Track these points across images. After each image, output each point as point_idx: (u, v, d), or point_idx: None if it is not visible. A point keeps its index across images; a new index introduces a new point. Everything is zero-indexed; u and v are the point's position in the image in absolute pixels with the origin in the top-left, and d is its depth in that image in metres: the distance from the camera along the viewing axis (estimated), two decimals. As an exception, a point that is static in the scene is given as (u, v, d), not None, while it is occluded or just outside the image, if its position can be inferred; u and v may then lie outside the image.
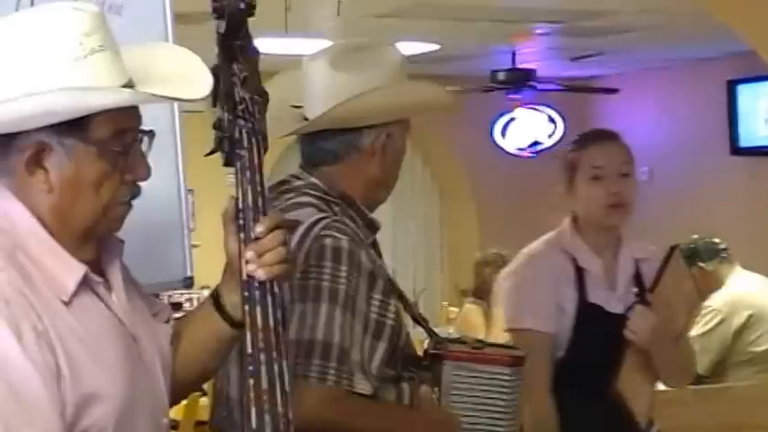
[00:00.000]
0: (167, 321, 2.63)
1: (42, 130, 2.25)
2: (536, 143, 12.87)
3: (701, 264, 7.45)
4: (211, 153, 2.50)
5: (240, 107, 2.48)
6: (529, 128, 12.88)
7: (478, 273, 8.38)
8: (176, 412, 5.96)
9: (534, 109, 12.76)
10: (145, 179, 2.39)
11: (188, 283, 3.18)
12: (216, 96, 2.46)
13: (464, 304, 8.36)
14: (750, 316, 7.32)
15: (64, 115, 2.23)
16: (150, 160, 2.41)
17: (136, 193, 2.40)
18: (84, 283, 2.33)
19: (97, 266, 2.41)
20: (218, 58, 2.48)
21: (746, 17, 5.22)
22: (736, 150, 11.57)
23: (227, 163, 2.49)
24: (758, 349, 7.30)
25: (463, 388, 3.12)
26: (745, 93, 11.30)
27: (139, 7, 3.11)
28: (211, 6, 2.41)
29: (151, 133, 2.40)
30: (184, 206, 3.24)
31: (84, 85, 2.24)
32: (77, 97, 2.22)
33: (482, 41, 10.51)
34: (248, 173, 2.48)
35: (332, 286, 2.94)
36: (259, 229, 2.41)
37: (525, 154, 13.01)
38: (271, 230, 2.41)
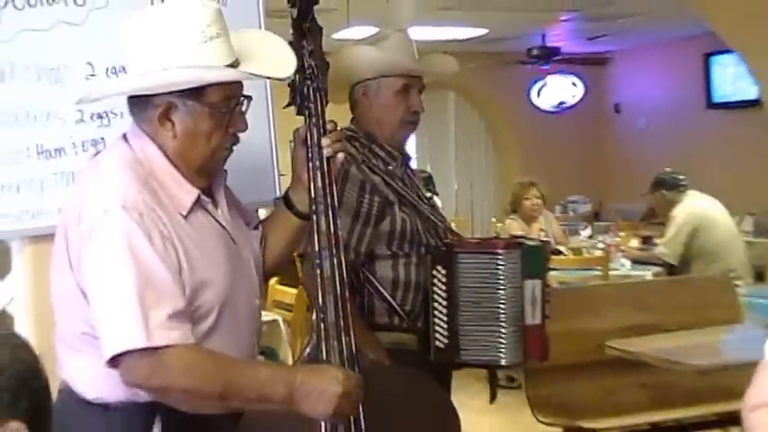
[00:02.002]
0: (257, 228, 2.64)
1: (172, 94, 2.28)
2: (562, 103, 12.64)
3: (663, 191, 7.37)
4: (288, 105, 2.51)
5: (308, 71, 2.47)
6: (557, 91, 12.66)
7: (513, 192, 8.13)
8: (291, 298, 5.95)
9: (562, 76, 12.54)
10: (243, 131, 2.40)
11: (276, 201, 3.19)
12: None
13: (506, 219, 8.24)
14: (700, 223, 7.18)
15: (187, 85, 2.26)
16: (249, 115, 2.42)
17: (236, 141, 2.41)
18: (198, 203, 2.35)
19: (208, 191, 2.42)
20: (292, 36, 2.48)
21: (714, 7, 5.10)
22: (711, 105, 11.44)
23: (299, 112, 2.49)
24: (708, 247, 7.16)
25: (468, 271, 2.96)
26: (717, 62, 11.12)
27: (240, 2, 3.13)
28: (286, -1, 2.44)
29: (249, 98, 2.40)
30: (274, 147, 3.23)
31: (203, 64, 2.26)
32: (198, 73, 2.26)
33: (520, 26, 10.31)
34: (314, 119, 2.48)
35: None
36: (330, 126, 2.48)
37: (554, 110, 12.80)
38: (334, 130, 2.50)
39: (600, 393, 4.54)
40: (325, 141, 2.46)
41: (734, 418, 4.21)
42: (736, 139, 10.87)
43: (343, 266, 2.41)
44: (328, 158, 2.47)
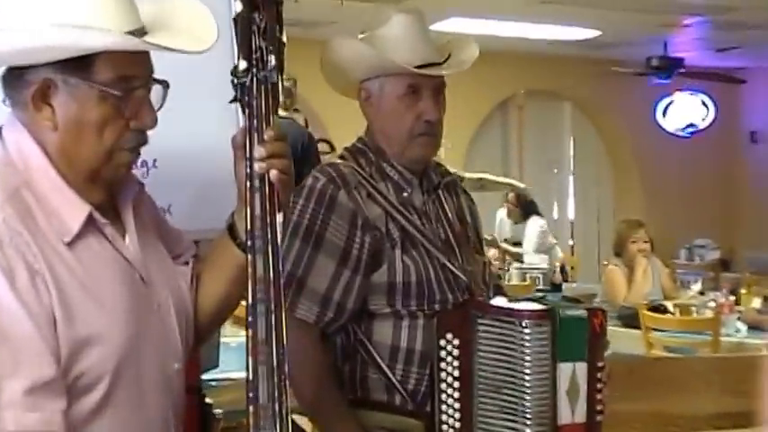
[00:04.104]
0: (187, 263, 2.19)
1: (49, 67, 1.89)
2: (691, 125, 12.10)
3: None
4: (233, 101, 2.01)
5: (255, 56, 1.98)
6: (686, 111, 12.09)
7: (618, 232, 7.64)
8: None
9: (691, 93, 12.00)
10: (150, 128, 1.99)
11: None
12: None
13: (610, 264, 7.63)
14: None
15: (61, 52, 1.87)
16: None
17: (142, 140, 1.99)
18: (91, 225, 1.94)
19: (111, 209, 2.02)
20: (241, 5, 1.99)
21: None
22: None
23: (243, 109, 2.01)
24: None
25: (486, 343, 2.43)
26: None
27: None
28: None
29: (165, 83, 2.00)
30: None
31: (83, 24, 1.87)
32: (73, 35, 1.87)
33: (638, 30, 9.98)
34: (255, 121, 2.00)
35: (297, 220, 2.58)
36: (269, 133, 1.96)
37: (681, 134, 12.30)
38: (277, 139, 1.98)
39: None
40: (257, 152, 1.96)
41: None
42: None
43: (283, 328, 1.92)
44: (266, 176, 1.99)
